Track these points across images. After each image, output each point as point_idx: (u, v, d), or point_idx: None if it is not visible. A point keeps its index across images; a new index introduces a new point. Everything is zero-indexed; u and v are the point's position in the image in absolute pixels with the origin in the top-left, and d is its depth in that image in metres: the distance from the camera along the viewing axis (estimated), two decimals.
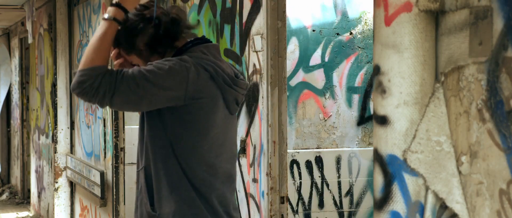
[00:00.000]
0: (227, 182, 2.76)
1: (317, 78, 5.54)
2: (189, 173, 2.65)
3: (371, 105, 5.60)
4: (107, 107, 2.67)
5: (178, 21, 2.69)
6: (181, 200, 2.65)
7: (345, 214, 5.64)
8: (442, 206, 2.20)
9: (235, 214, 2.81)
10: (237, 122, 2.92)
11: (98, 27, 2.61)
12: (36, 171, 9.39)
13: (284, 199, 3.37)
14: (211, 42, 2.77)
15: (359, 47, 5.59)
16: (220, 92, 2.65)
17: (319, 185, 5.57)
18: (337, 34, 5.55)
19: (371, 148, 4.94)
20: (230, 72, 2.72)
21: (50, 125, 8.19)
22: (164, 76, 2.55)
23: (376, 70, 2.47)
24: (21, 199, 10.95)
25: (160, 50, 2.68)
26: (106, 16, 2.60)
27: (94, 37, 2.61)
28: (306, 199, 5.56)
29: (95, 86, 2.52)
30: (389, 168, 2.42)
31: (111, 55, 2.72)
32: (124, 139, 5.72)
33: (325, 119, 5.57)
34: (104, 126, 6.15)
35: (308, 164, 5.55)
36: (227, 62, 2.78)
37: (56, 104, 7.65)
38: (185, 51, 2.66)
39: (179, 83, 2.56)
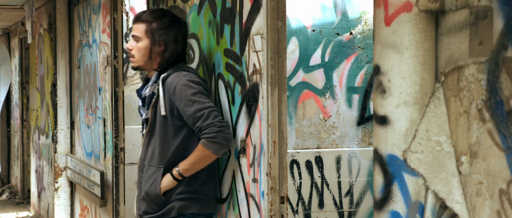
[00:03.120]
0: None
1: (317, 78, 5.54)
2: None
3: (371, 105, 5.60)
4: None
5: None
6: None
7: (345, 214, 5.64)
8: (442, 206, 2.20)
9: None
10: None
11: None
12: (36, 171, 9.39)
13: (284, 199, 3.37)
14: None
15: (359, 47, 5.59)
16: None
17: (319, 185, 5.57)
18: (337, 34, 5.55)
19: (371, 148, 4.94)
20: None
21: (50, 125, 8.19)
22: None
23: (376, 70, 2.47)
24: (21, 199, 10.95)
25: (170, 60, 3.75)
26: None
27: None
28: (306, 199, 5.56)
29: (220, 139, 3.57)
30: (389, 168, 2.42)
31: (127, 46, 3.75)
32: (124, 139, 5.71)
33: (325, 119, 5.57)
34: (104, 126, 6.15)
35: (308, 164, 5.55)
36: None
37: (56, 104, 7.65)
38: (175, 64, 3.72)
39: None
